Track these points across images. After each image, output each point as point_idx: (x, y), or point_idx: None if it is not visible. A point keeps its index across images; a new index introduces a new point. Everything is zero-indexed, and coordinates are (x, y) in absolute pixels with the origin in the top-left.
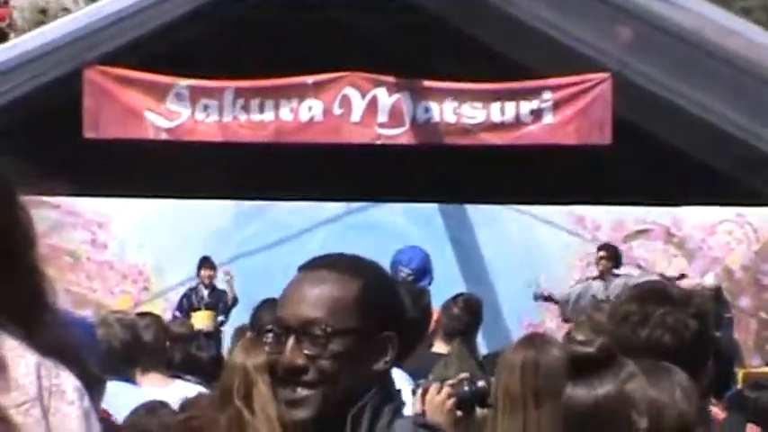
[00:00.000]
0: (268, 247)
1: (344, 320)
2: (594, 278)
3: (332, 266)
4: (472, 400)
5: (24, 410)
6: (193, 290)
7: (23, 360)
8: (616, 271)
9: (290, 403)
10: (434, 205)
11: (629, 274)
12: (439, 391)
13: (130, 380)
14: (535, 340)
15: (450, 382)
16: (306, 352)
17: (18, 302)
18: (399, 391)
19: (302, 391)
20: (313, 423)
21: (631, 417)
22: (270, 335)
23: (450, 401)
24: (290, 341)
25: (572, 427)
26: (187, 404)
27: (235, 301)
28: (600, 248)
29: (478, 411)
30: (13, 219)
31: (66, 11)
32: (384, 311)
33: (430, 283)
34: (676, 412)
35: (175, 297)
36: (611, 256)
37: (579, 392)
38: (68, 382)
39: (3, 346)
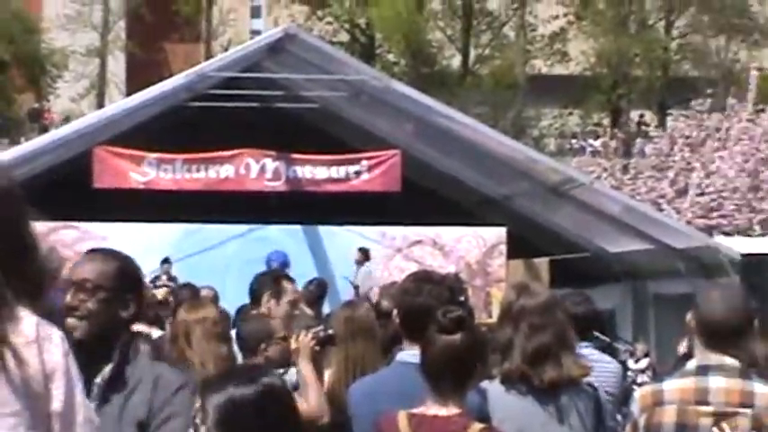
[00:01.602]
0: (201, 252)
1: (104, 282)
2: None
3: (102, 252)
4: (325, 340)
5: (27, 346)
6: (158, 277)
7: (28, 318)
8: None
9: (69, 329)
10: (299, 226)
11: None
12: (306, 336)
13: None
14: (352, 303)
15: (313, 330)
16: (80, 297)
17: (27, 285)
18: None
19: (75, 322)
20: (80, 343)
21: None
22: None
23: (313, 341)
24: (72, 290)
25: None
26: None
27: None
28: (358, 250)
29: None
30: (27, 229)
31: (83, 114)
32: (129, 281)
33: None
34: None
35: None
36: (364, 254)
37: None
38: (55, 332)
39: (17, 310)
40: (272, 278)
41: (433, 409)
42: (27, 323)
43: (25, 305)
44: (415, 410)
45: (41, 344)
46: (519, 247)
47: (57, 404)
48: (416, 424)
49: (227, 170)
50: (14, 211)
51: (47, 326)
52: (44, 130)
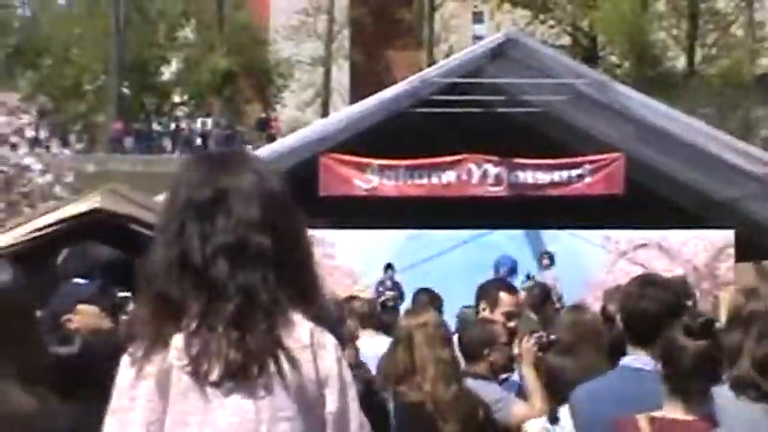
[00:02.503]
0: (425, 259)
1: None
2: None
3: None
4: (547, 345)
5: (301, 351)
6: (381, 283)
7: (303, 323)
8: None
9: None
10: (522, 231)
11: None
12: (528, 341)
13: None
14: (577, 307)
15: (536, 335)
16: None
17: (301, 291)
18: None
19: None
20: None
21: None
22: None
23: (535, 347)
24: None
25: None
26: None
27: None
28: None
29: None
30: (303, 234)
31: (308, 122)
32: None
33: (516, 275)
34: None
35: (372, 287)
36: (549, 259)
37: None
38: (328, 339)
39: (292, 315)
40: (492, 287)
41: (673, 413)
42: (301, 329)
43: (299, 311)
44: (655, 414)
45: (315, 350)
46: (748, 250)
47: (330, 410)
48: (658, 427)
49: (449, 176)
50: (291, 215)
51: (321, 332)
52: (272, 139)
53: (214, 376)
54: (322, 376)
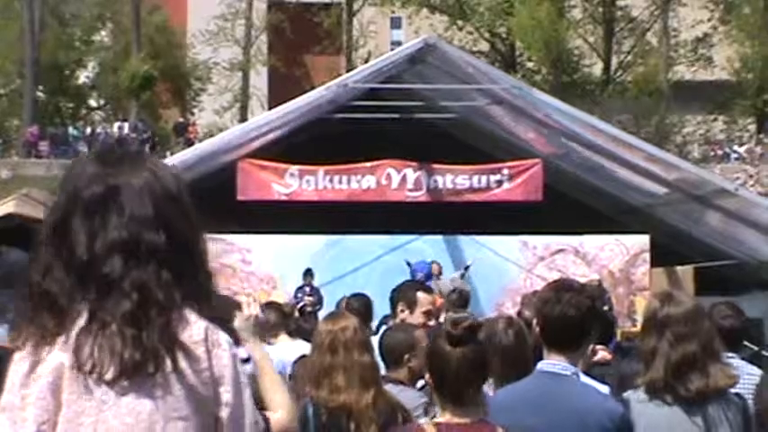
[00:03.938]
0: (343, 263)
1: None
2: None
3: None
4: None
5: (196, 347)
6: (300, 288)
7: (198, 322)
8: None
9: None
10: (440, 236)
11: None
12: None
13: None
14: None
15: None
16: None
17: (196, 289)
18: None
19: None
20: None
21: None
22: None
23: None
24: None
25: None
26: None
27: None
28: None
29: None
30: (198, 232)
31: (227, 127)
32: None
33: (430, 279)
34: None
35: (292, 292)
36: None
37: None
38: (222, 336)
39: (188, 314)
40: (408, 289)
41: (452, 420)
42: (196, 327)
43: (194, 309)
44: (439, 419)
45: (210, 348)
46: (662, 256)
47: (225, 409)
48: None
49: (368, 181)
50: (186, 215)
51: (215, 330)
52: (189, 143)
53: (108, 375)
54: (216, 374)
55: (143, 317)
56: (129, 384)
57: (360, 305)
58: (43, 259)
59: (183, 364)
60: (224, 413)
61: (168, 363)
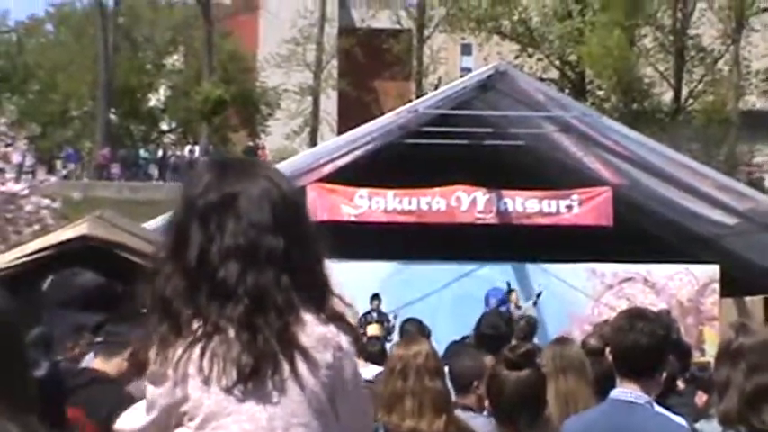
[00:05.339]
0: (411, 289)
1: None
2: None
3: None
4: None
5: (316, 351)
6: (368, 313)
7: (318, 326)
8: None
9: None
10: (508, 264)
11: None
12: None
13: None
14: (562, 339)
15: None
16: None
17: (314, 292)
18: None
19: None
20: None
21: None
22: None
23: None
24: None
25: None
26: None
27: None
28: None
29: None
30: (316, 237)
31: (296, 152)
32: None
33: (507, 308)
34: None
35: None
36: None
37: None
38: (342, 338)
39: (307, 318)
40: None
41: None
42: (317, 329)
43: (312, 312)
44: None
45: (332, 352)
46: (731, 286)
47: (345, 416)
48: None
49: (438, 203)
50: (303, 219)
51: (337, 333)
52: None
53: (226, 382)
54: (336, 377)
55: (260, 321)
56: (248, 390)
57: (414, 329)
58: (164, 268)
59: (301, 368)
60: (344, 420)
61: (286, 367)
